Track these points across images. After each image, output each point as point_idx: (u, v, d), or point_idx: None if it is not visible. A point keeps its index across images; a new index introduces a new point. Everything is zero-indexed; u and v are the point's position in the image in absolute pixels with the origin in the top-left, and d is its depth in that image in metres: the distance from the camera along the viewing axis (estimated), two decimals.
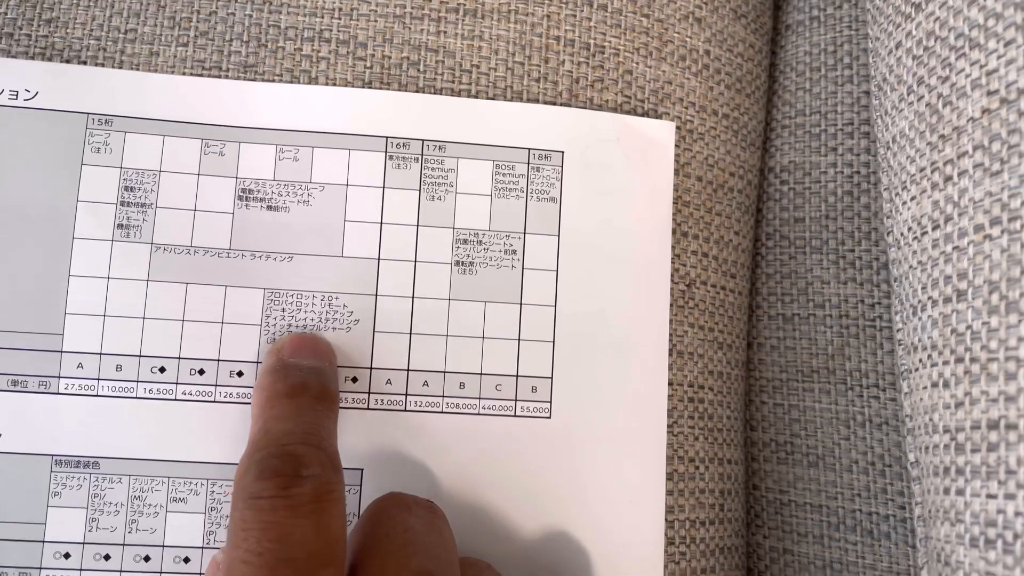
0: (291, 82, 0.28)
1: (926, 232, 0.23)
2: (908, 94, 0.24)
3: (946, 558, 0.22)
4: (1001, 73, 0.21)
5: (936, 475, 0.22)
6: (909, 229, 0.24)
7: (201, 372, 0.26)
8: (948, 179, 0.22)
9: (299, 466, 0.21)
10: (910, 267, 0.24)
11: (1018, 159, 0.20)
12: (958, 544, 0.21)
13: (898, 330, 0.25)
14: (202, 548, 0.26)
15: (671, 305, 0.29)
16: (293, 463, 0.21)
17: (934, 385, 0.22)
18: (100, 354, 0.26)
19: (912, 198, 0.24)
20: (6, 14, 0.28)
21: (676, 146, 0.30)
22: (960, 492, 0.21)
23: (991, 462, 0.20)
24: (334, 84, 0.28)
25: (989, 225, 0.21)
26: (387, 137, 0.28)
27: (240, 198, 0.27)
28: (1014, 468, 0.19)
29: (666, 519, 0.28)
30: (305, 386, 0.24)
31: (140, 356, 0.26)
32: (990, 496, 0.20)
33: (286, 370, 0.25)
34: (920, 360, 0.23)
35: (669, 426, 0.29)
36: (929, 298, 0.23)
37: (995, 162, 0.21)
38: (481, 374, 0.27)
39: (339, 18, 0.28)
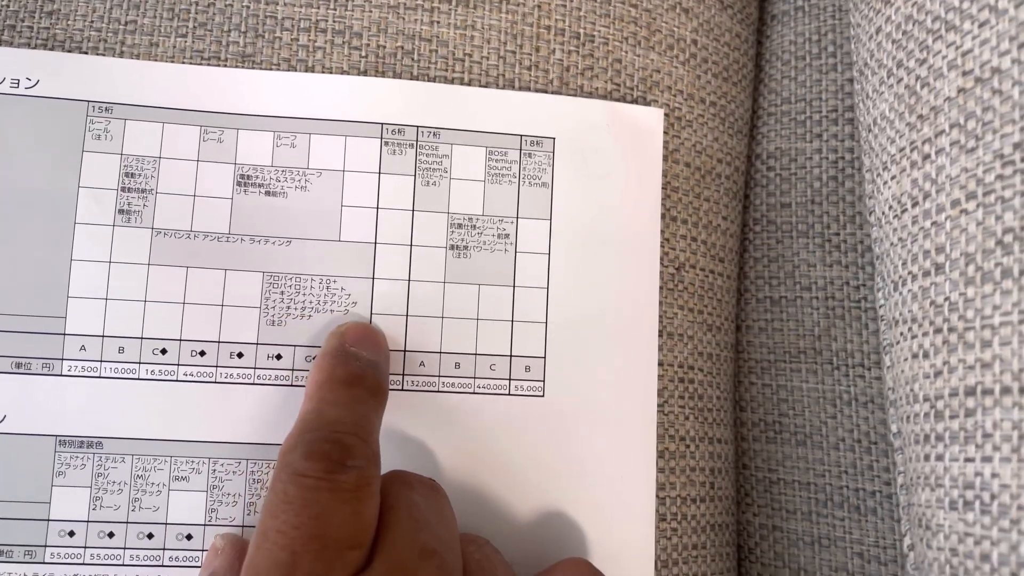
0: (288, 71, 0.28)
1: (906, 209, 0.24)
2: (888, 77, 0.25)
3: (927, 522, 0.22)
4: (976, 53, 0.22)
5: (917, 443, 0.23)
6: (890, 207, 0.25)
7: (202, 354, 0.27)
8: (926, 157, 0.23)
9: (346, 455, 0.22)
10: (891, 244, 0.25)
11: (992, 136, 0.21)
12: (938, 508, 0.22)
13: (880, 306, 0.26)
14: (204, 525, 0.26)
15: (661, 288, 0.30)
16: (341, 451, 0.22)
17: (914, 356, 0.23)
18: (102, 336, 0.26)
19: (892, 177, 0.25)
20: (8, 6, 0.28)
21: (664, 133, 0.31)
22: (940, 458, 0.22)
23: (969, 427, 0.21)
24: (330, 73, 0.29)
25: (965, 200, 0.21)
26: (382, 124, 0.28)
27: (239, 184, 0.27)
28: (990, 431, 0.20)
29: (657, 496, 0.29)
30: (362, 377, 0.25)
31: (142, 338, 0.27)
32: (968, 460, 0.21)
33: (347, 357, 0.25)
34: (901, 333, 0.24)
35: (660, 406, 0.29)
36: (909, 272, 0.23)
37: (970, 139, 0.21)
38: (476, 354, 0.28)
39: (335, 8, 0.29)
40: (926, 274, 0.23)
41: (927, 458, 0.22)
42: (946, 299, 0.22)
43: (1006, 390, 0.20)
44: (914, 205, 0.23)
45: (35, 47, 0.28)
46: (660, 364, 0.30)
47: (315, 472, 0.21)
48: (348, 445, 0.22)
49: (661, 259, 0.30)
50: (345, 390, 0.24)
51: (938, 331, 0.22)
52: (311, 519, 0.21)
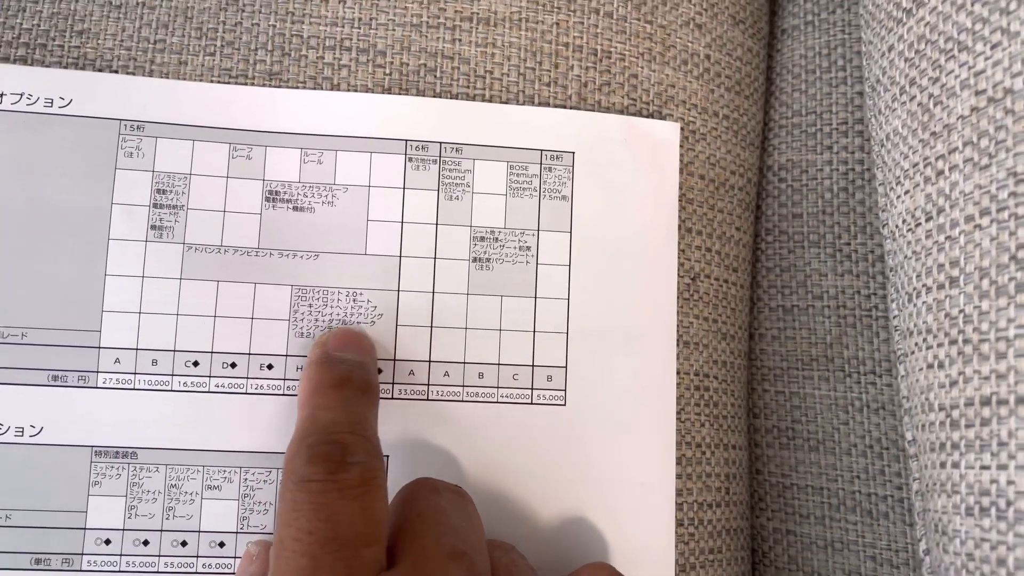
0: (314, 88, 0.29)
1: (920, 224, 0.25)
2: (901, 94, 0.26)
3: (943, 528, 0.23)
4: (988, 74, 0.22)
5: (933, 451, 0.24)
6: (904, 221, 0.26)
7: (233, 365, 0.27)
8: (940, 173, 0.24)
9: (346, 453, 0.22)
10: (905, 257, 0.25)
11: (1005, 154, 0.22)
12: (955, 514, 0.22)
13: (894, 317, 0.27)
14: (236, 533, 0.27)
15: (677, 298, 0.31)
16: (340, 450, 0.23)
17: (929, 367, 0.24)
18: (136, 349, 0.27)
19: (906, 192, 0.25)
20: (39, 26, 0.29)
21: (680, 146, 0.31)
22: (956, 465, 0.22)
23: (984, 436, 0.21)
24: (355, 90, 0.29)
25: (979, 216, 0.22)
26: (406, 140, 0.29)
27: (267, 199, 0.28)
28: (1005, 440, 0.21)
29: (676, 502, 0.30)
30: (350, 378, 0.25)
31: (174, 351, 0.27)
32: (984, 467, 0.21)
33: (332, 363, 0.26)
34: (916, 344, 0.25)
35: (677, 413, 0.30)
36: (924, 285, 0.24)
37: (984, 157, 0.22)
38: (499, 364, 0.29)
39: (359, 27, 0.30)
40: (940, 287, 0.23)
41: (943, 465, 0.23)
42: (961, 311, 0.22)
43: (1021, 400, 0.20)
44: (928, 219, 0.24)
45: (66, 66, 0.29)
46: (677, 372, 0.30)
47: (319, 475, 0.22)
48: (346, 443, 0.23)
49: (678, 269, 0.31)
50: (335, 393, 0.25)
51: (953, 342, 0.23)
52: (322, 522, 0.21)
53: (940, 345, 0.23)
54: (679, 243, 0.31)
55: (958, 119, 0.23)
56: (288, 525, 0.22)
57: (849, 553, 0.32)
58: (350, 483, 0.22)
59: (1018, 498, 0.20)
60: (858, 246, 0.33)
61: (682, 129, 0.31)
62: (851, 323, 0.33)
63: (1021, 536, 0.20)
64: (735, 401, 0.33)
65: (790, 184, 0.35)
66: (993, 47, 0.22)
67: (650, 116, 0.31)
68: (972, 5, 0.23)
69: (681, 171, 0.31)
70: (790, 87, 0.35)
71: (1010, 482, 0.20)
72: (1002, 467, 0.21)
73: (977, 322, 0.22)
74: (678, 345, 0.30)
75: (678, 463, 0.30)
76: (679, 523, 0.30)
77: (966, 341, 0.22)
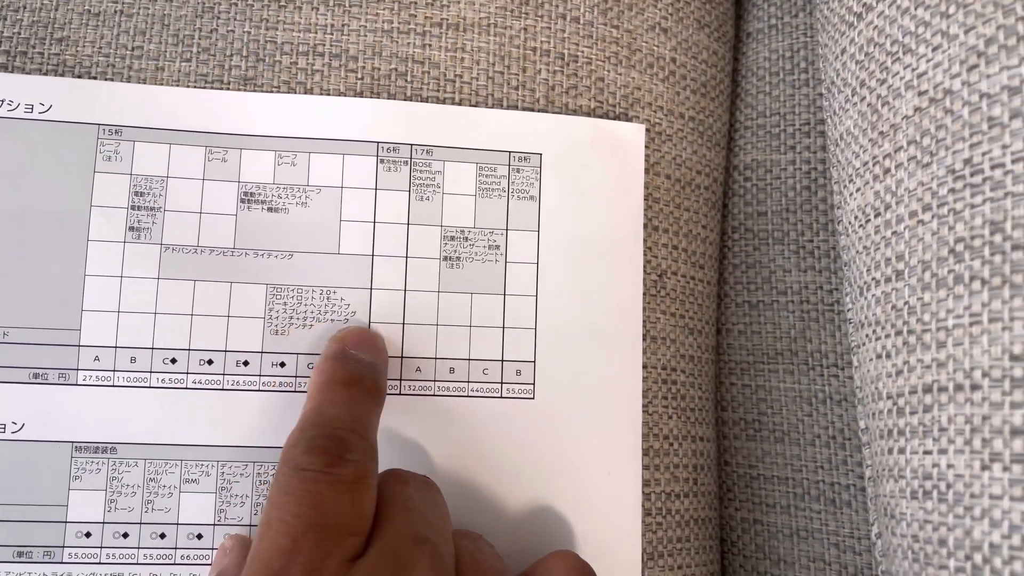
0: (288, 93, 0.30)
1: (869, 219, 0.26)
2: (852, 95, 0.27)
3: (891, 511, 0.24)
4: (930, 75, 0.23)
5: (882, 438, 0.25)
6: (855, 217, 0.27)
7: (210, 362, 0.28)
8: (887, 171, 0.25)
9: (345, 450, 0.23)
10: (857, 252, 0.26)
11: (945, 152, 0.23)
12: (901, 498, 0.23)
13: (848, 309, 0.28)
14: (214, 525, 0.28)
15: (644, 294, 0.31)
16: (340, 446, 0.23)
17: (878, 357, 0.25)
18: (115, 347, 0.28)
19: (857, 189, 0.26)
20: (19, 33, 0.30)
21: (646, 147, 0.32)
22: (902, 451, 0.23)
23: (927, 422, 0.22)
24: (328, 94, 0.30)
25: (922, 211, 0.23)
26: (378, 142, 0.30)
27: (242, 201, 0.29)
28: (945, 426, 0.22)
29: (643, 492, 0.31)
30: (360, 378, 0.26)
31: (153, 348, 0.28)
32: (926, 452, 0.22)
33: (346, 360, 0.27)
34: (866, 335, 0.26)
35: (644, 406, 0.31)
36: (873, 279, 0.25)
37: (926, 155, 0.23)
38: (469, 359, 0.29)
39: (331, 33, 0.31)
40: (888, 280, 0.24)
41: (890, 452, 0.24)
42: (905, 303, 0.23)
43: (959, 387, 0.21)
44: (877, 215, 0.25)
45: (46, 73, 0.29)
46: (644, 366, 0.31)
47: (315, 466, 0.23)
48: (347, 441, 0.24)
49: (644, 267, 0.32)
50: (344, 390, 0.26)
51: (899, 333, 0.24)
52: (311, 508, 0.22)
53: (887, 336, 0.24)
54: (646, 241, 0.32)
55: (903, 119, 0.24)
56: (277, 507, 0.22)
57: (814, 541, 0.33)
58: (344, 478, 0.23)
59: (956, 481, 0.21)
60: (820, 243, 0.34)
61: (648, 130, 0.32)
62: (814, 317, 0.34)
63: (960, 517, 0.21)
64: (702, 394, 0.34)
65: (755, 183, 0.36)
66: (934, 50, 0.23)
67: (616, 118, 0.32)
68: (915, 9, 0.24)
69: (648, 171, 0.32)
70: (754, 89, 0.36)
71: (949, 466, 0.21)
72: (942, 451, 0.22)
73: (920, 313, 0.23)
74: (646, 340, 0.31)
75: (646, 454, 0.31)
76: (647, 512, 0.31)
77: (910, 331, 0.23)
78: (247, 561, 0.22)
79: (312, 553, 0.22)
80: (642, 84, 0.33)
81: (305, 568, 0.21)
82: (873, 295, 0.25)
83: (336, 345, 0.28)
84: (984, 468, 0.20)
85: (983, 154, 0.21)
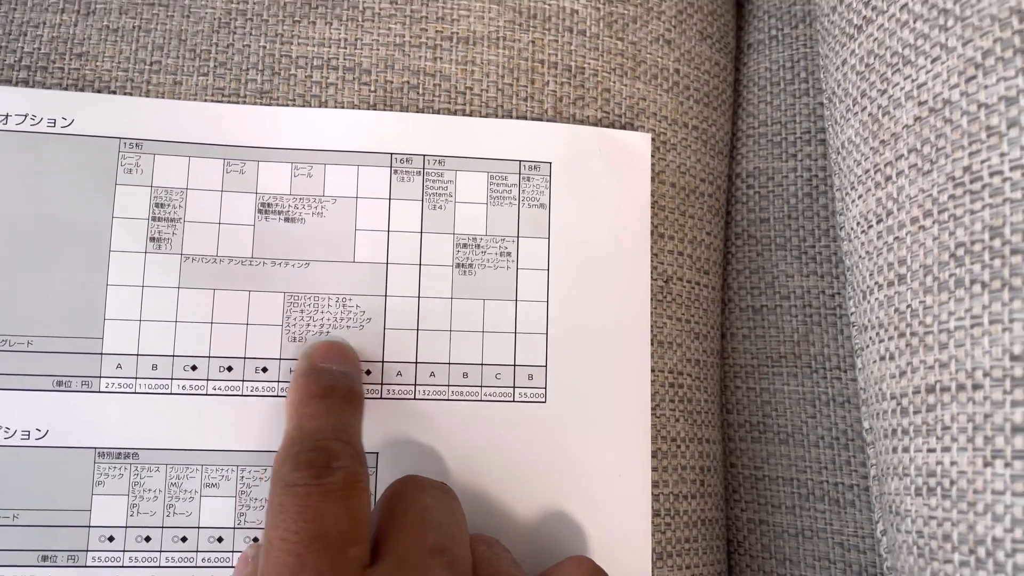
0: (303, 106, 0.31)
1: (872, 226, 0.26)
2: (853, 105, 0.28)
3: (896, 508, 0.25)
4: (929, 86, 0.24)
5: (886, 437, 0.25)
6: (858, 224, 0.27)
7: (229, 369, 0.29)
8: (888, 179, 0.26)
9: (330, 459, 0.24)
10: (859, 257, 0.27)
11: (944, 160, 0.23)
12: (905, 495, 0.24)
13: (851, 313, 0.29)
14: (234, 528, 0.28)
15: (651, 299, 0.32)
16: (325, 456, 0.24)
17: (882, 359, 0.26)
18: (137, 355, 0.29)
19: (859, 196, 0.27)
20: (40, 49, 0.30)
21: (651, 156, 0.33)
22: (906, 450, 0.24)
23: (930, 421, 0.23)
24: (342, 107, 0.31)
25: (923, 217, 0.24)
26: (391, 153, 0.31)
27: (260, 211, 0.30)
28: (948, 424, 0.22)
29: (652, 493, 0.31)
30: (335, 388, 0.27)
31: (173, 356, 0.29)
32: (930, 450, 0.23)
33: (318, 373, 0.27)
34: (870, 338, 0.26)
35: (652, 409, 0.32)
36: (876, 283, 0.26)
37: (926, 163, 0.24)
38: (482, 364, 0.30)
39: (345, 47, 0.31)
40: (890, 284, 0.25)
41: (895, 450, 0.25)
42: (908, 306, 0.24)
43: (961, 387, 0.22)
44: (879, 222, 0.26)
45: (66, 88, 0.30)
46: (652, 370, 0.32)
47: (304, 479, 0.23)
48: (331, 450, 0.24)
49: (651, 273, 0.32)
50: (321, 402, 0.26)
51: (902, 335, 0.24)
52: (308, 523, 0.22)
53: (891, 338, 0.25)
54: (652, 247, 0.32)
55: (903, 128, 0.25)
56: (275, 527, 0.23)
57: (818, 540, 0.34)
58: (334, 486, 0.23)
59: (960, 477, 0.22)
60: (822, 248, 0.35)
61: (653, 139, 0.33)
62: (816, 321, 0.34)
63: (963, 512, 0.22)
64: (708, 397, 0.34)
65: (757, 191, 0.36)
66: (933, 61, 0.24)
67: (623, 128, 0.33)
68: (915, 23, 0.25)
69: (653, 179, 0.33)
70: (756, 99, 0.37)
71: (952, 463, 0.22)
72: (945, 449, 0.22)
73: (922, 316, 0.24)
74: (652, 344, 0.32)
75: (654, 456, 0.32)
76: (655, 513, 0.31)
77: (913, 334, 0.24)
78: None
79: (318, 565, 0.22)
80: (647, 95, 0.34)
81: None
82: (876, 299, 0.26)
83: (305, 361, 0.28)
84: (986, 465, 0.21)
85: (982, 162, 0.22)
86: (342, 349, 0.29)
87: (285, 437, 0.26)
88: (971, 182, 0.22)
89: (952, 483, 0.22)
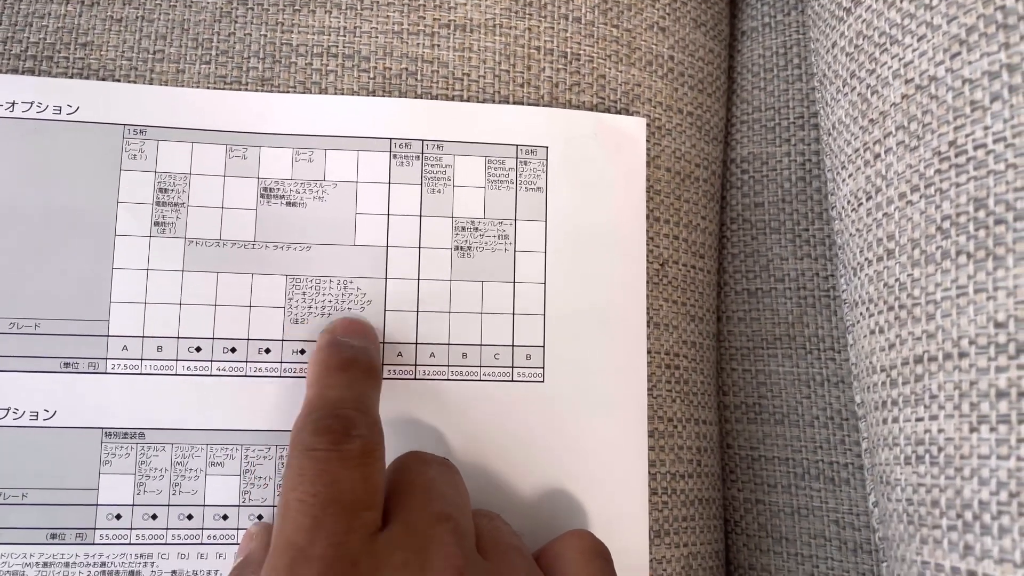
0: (304, 92, 0.31)
1: (861, 203, 0.27)
2: (843, 86, 0.28)
3: (886, 478, 0.25)
4: (916, 64, 0.25)
5: (876, 409, 0.26)
6: (848, 202, 0.28)
7: (233, 350, 0.29)
8: (877, 156, 0.26)
9: (350, 427, 0.25)
10: (850, 235, 0.28)
11: (931, 135, 0.24)
12: (895, 464, 0.25)
13: (842, 290, 0.29)
14: (239, 506, 0.29)
15: (647, 282, 0.33)
16: (345, 424, 0.25)
17: (872, 333, 0.26)
18: (142, 337, 0.29)
19: (850, 175, 0.28)
20: (45, 39, 0.31)
21: (647, 141, 0.33)
22: (895, 420, 0.25)
23: (918, 391, 0.24)
24: (342, 93, 0.31)
25: (910, 192, 0.24)
26: (391, 139, 0.31)
27: (262, 196, 0.30)
28: (935, 393, 0.23)
29: (649, 472, 0.32)
30: (355, 361, 0.28)
31: (178, 338, 0.29)
32: (918, 419, 0.24)
33: (339, 347, 0.28)
34: (860, 313, 0.27)
35: (649, 390, 0.32)
36: (865, 259, 0.26)
37: (913, 139, 0.24)
38: (481, 345, 0.31)
39: (344, 35, 0.32)
40: (879, 259, 0.26)
41: (885, 422, 0.25)
42: (896, 280, 0.25)
43: (948, 356, 0.23)
44: (868, 199, 0.26)
45: (72, 76, 0.31)
46: (648, 352, 0.32)
47: (324, 444, 0.24)
48: (350, 418, 0.25)
49: (647, 256, 0.33)
50: (342, 373, 0.27)
51: (891, 309, 0.25)
52: (325, 487, 0.23)
53: (880, 312, 0.26)
54: (648, 231, 0.33)
55: (891, 106, 0.25)
56: (293, 489, 0.23)
57: (814, 518, 0.34)
58: (352, 453, 0.24)
59: (947, 444, 0.22)
60: (815, 231, 0.35)
61: (649, 125, 0.34)
62: (811, 303, 0.35)
63: (951, 478, 0.22)
64: (704, 379, 0.35)
65: (752, 175, 0.37)
66: (919, 39, 0.25)
67: (618, 113, 0.33)
68: (901, 3, 0.25)
69: (648, 164, 0.33)
70: (750, 85, 0.38)
71: (940, 430, 0.23)
72: (933, 417, 0.23)
73: (910, 288, 0.24)
74: (649, 326, 0.33)
75: (651, 436, 0.32)
76: (653, 492, 0.32)
77: (901, 306, 0.24)
78: (272, 542, 0.23)
79: (334, 527, 0.23)
80: (642, 81, 0.34)
81: (330, 542, 0.23)
82: (866, 274, 0.26)
83: (327, 335, 0.29)
84: (972, 430, 0.22)
85: (967, 136, 0.22)
86: (363, 325, 0.30)
87: (305, 404, 0.26)
88: (956, 156, 0.23)
89: (940, 450, 0.23)
